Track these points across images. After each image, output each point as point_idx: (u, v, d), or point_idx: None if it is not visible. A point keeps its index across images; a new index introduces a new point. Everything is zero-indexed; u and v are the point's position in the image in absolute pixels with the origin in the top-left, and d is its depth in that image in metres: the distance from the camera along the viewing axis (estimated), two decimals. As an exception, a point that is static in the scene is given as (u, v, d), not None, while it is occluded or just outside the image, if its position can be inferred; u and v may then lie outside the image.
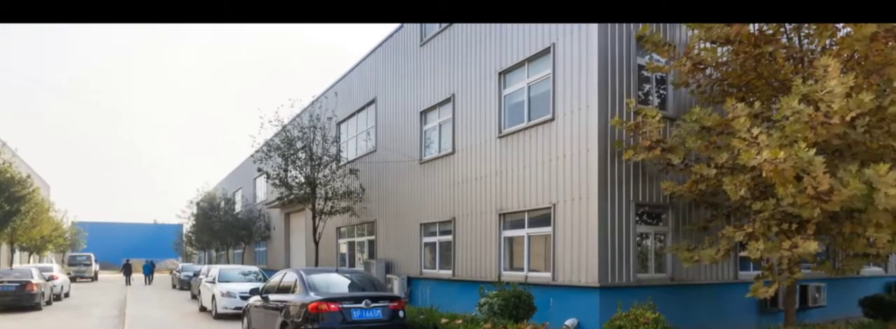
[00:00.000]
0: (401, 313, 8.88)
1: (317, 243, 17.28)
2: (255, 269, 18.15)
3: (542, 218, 10.32)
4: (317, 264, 17.69)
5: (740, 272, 10.74)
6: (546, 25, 10.24)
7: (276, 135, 18.13)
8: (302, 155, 17.10)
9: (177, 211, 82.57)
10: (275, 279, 10.51)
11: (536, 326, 8.21)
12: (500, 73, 11.45)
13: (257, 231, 29.59)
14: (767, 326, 8.75)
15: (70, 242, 51.26)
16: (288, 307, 8.96)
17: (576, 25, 9.57)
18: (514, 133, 11.02)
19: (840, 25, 7.51)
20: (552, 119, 10.05)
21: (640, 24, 9.10)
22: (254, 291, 11.05)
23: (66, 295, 22.08)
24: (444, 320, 9.06)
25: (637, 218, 9.57)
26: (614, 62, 9.33)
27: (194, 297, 20.57)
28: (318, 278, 9.44)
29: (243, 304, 12.11)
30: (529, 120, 10.72)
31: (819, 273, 9.44)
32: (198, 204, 37.05)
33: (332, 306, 8.36)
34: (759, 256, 7.58)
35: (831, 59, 6.67)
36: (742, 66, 8.03)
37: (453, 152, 12.93)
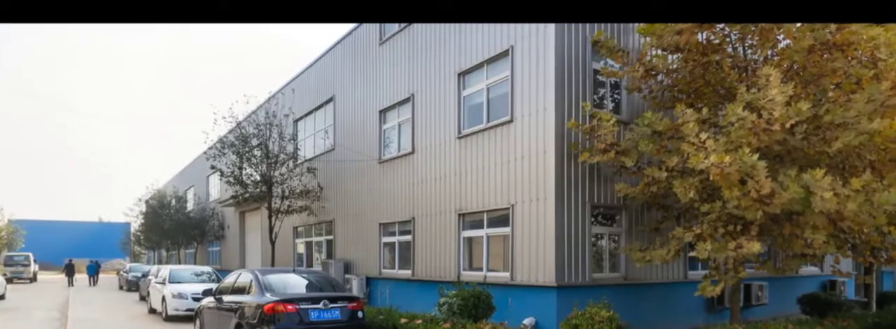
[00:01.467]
0: (360, 314, 8.87)
1: (273, 243, 17.11)
2: (208, 269, 17.84)
3: (501, 218, 10.52)
4: (273, 264, 17.52)
5: (689, 272, 11.20)
6: (504, 28, 10.42)
7: (230, 131, 17.83)
8: (257, 152, 16.88)
9: (124, 209, 79.83)
10: (229, 280, 10.36)
11: (495, 326, 8.36)
12: (459, 74, 11.58)
13: (210, 230, 28.98)
14: (714, 324, 9.18)
15: (6, 242, 49.00)
16: (243, 308, 8.85)
17: (534, 28, 9.78)
18: (473, 134, 11.18)
19: (780, 37, 7.94)
20: (511, 121, 10.24)
21: (596, 30, 9.38)
22: (207, 292, 10.81)
23: (2, 297, 21.17)
24: (403, 320, 9.14)
25: (592, 219, 9.87)
26: (571, 66, 9.58)
27: (143, 298, 20.10)
28: (275, 279, 9.35)
29: (195, 305, 11.89)
30: (488, 121, 10.89)
31: (761, 272, 9.95)
32: (147, 202, 36.03)
33: (289, 307, 8.27)
34: (706, 256, 7.90)
35: (772, 69, 7.07)
36: (691, 73, 8.40)
37: (413, 152, 13.01)
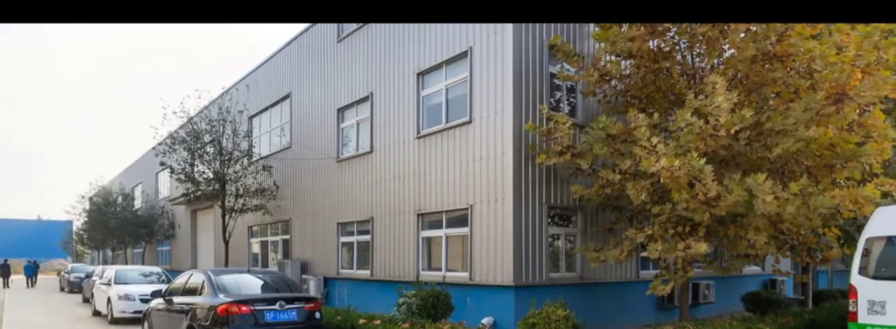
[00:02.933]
0: (317, 314, 8.89)
1: (227, 243, 16.92)
2: (157, 269, 17.54)
3: (460, 218, 10.74)
4: (227, 265, 17.33)
5: (641, 271, 11.70)
6: (463, 29, 10.61)
7: (181, 127, 17.49)
8: (210, 149, 16.64)
9: (66, 206, 76.76)
10: (180, 280, 10.24)
11: (454, 325, 8.50)
12: (418, 74, 11.72)
13: (160, 229, 28.32)
14: (665, 322, 9.64)
15: (-66, 241, 46.53)
16: (195, 310, 8.75)
17: (492, 30, 10.00)
18: (432, 134, 11.35)
19: (726, 47, 8.39)
20: (469, 122, 10.45)
21: (553, 34, 9.66)
22: (156, 294, 10.66)
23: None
24: (362, 321, 9.19)
25: (549, 220, 10.19)
26: (528, 69, 9.85)
27: (86, 300, 19.64)
28: (229, 279, 9.28)
29: (144, 307, 11.69)
30: (447, 122, 11.07)
31: (708, 272, 10.46)
32: (90, 199, 34.85)
33: (244, 308, 8.20)
34: (657, 256, 8.28)
35: (718, 77, 7.47)
36: (643, 79, 8.79)
37: (371, 151, 13.09)
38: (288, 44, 16.97)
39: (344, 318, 9.71)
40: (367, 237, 13.21)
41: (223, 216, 16.70)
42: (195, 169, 17.02)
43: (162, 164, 17.64)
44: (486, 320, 9.77)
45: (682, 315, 9.52)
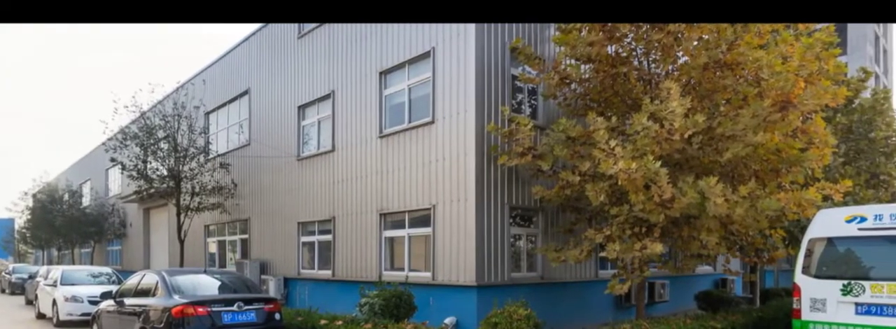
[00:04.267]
0: (277, 316, 8.85)
1: (182, 242, 16.76)
2: (107, 270, 17.23)
3: (423, 218, 10.96)
4: (182, 265, 17.16)
5: (600, 271, 12.16)
6: (425, 29, 10.80)
7: (133, 122, 17.24)
8: (164, 145, 16.46)
9: (7, 203, 73.99)
10: (132, 281, 10.05)
11: (417, 326, 8.67)
12: (381, 73, 11.86)
13: (110, 228, 27.69)
14: (622, 320, 10.06)
15: None
16: (147, 312, 8.61)
17: (454, 31, 10.22)
18: (394, 133, 11.52)
19: (680, 54, 8.82)
20: (432, 122, 10.66)
21: (514, 37, 9.95)
22: (106, 295, 10.46)
23: None
24: (323, 322, 9.24)
25: (511, 220, 10.51)
26: (490, 71, 10.12)
27: (30, 302, 19.25)
28: (184, 280, 9.13)
29: (93, 309, 11.48)
30: (410, 121, 11.26)
31: (663, 272, 10.94)
32: (34, 196, 33.75)
33: (200, 310, 8.08)
34: (615, 256, 8.63)
35: (673, 83, 7.87)
36: (601, 83, 9.16)
37: (333, 150, 13.18)
38: (246, 39, 16.85)
39: (305, 319, 9.76)
40: (328, 237, 13.31)
41: (178, 215, 16.54)
42: (148, 166, 16.81)
43: (112, 160, 17.37)
44: (448, 320, 9.98)
45: (639, 313, 9.95)
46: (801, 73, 7.89)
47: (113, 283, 15.27)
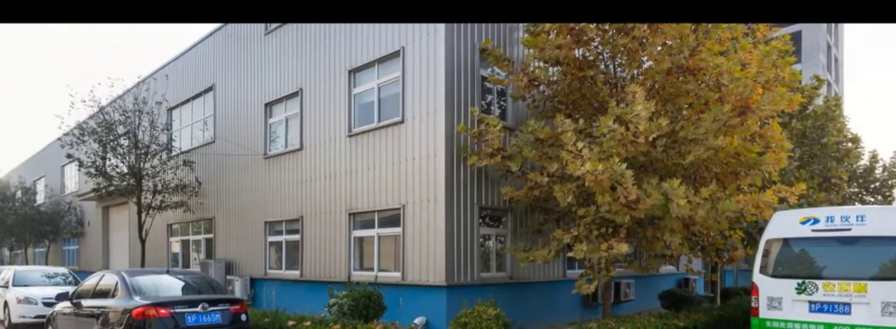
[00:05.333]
0: (243, 317, 8.79)
1: (143, 242, 16.59)
2: (63, 270, 16.93)
3: (392, 218, 11.13)
4: (143, 265, 16.98)
5: (567, 271, 12.52)
6: (395, 28, 10.96)
7: (91, 117, 16.96)
8: (124, 141, 16.24)
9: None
10: (90, 282, 9.87)
11: (386, 326, 8.80)
12: (350, 71, 11.98)
13: (67, 227, 27.11)
14: (589, 319, 10.40)
15: None
16: (106, 314, 8.49)
17: (424, 31, 10.40)
18: (364, 133, 11.65)
19: (645, 58, 9.17)
20: (402, 121, 10.83)
21: (484, 38, 10.16)
22: (62, 297, 10.26)
23: None
24: (291, 323, 9.27)
25: (480, 220, 10.76)
26: (460, 71, 10.34)
27: (-21, 305, 18.64)
28: (145, 280, 8.98)
29: (48, 311, 11.34)
30: (379, 121, 11.41)
31: (629, 271, 11.34)
32: (-16, 193, 32.73)
33: (162, 311, 7.96)
34: (582, 256, 8.93)
35: (638, 87, 8.20)
36: (569, 86, 9.47)
37: (301, 148, 13.24)
38: (212, 33, 16.74)
39: (272, 320, 9.78)
40: (296, 237, 13.38)
41: (139, 213, 16.38)
42: (107, 162, 16.59)
43: (69, 156, 17.09)
44: (418, 320, 10.18)
45: (605, 312, 10.32)
46: (759, 79, 8.32)
47: (69, 284, 15.04)
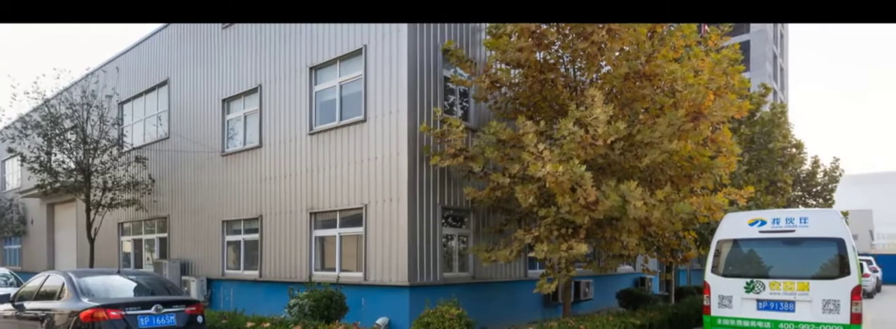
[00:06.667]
0: (199, 318, 8.71)
1: (92, 241, 16.32)
2: (3, 271, 16.50)
3: (354, 218, 11.26)
4: (92, 265, 16.70)
5: (529, 271, 12.89)
6: (358, 26, 11.08)
7: (35, 109, 16.52)
8: (72, 136, 15.89)
9: None
10: (34, 283, 9.61)
11: (348, 326, 8.88)
12: (311, 69, 12.04)
13: (8, 225, 26.25)
14: (550, 318, 10.77)
15: None
16: (52, 316, 8.30)
17: (386, 30, 10.56)
18: (325, 131, 11.74)
19: (603, 63, 9.55)
20: (364, 120, 10.97)
21: (447, 39, 10.37)
22: (3, 299, 10.07)
23: None
24: (249, 324, 9.32)
25: (443, 220, 11.00)
26: (423, 71, 10.54)
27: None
28: (94, 281, 8.80)
29: (-14, 314, 11.11)
30: (341, 119, 11.52)
31: (588, 271, 11.67)
32: (-86, 188, 31.33)
33: (113, 313, 7.79)
34: (543, 256, 9.24)
35: (597, 90, 8.56)
36: (530, 88, 9.78)
37: (260, 146, 13.23)
38: (166, 26, 16.50)
39: (230, 322, 9.79)
40: (255, 236, 13.38)
41: (88, 211, 16.09)
42: (53, 158, 16.20)
43: (10, 150, 16.65)
44: (380, 320, 10.34)
45: (566, 311, 10.71)
46: (711, 86, 8.80)
47: (11, 285, 14.73)
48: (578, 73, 10.01)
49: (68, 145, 15.89)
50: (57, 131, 15.81)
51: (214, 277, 14.47)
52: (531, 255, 9.68)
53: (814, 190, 25.27)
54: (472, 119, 11.55)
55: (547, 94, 9.78)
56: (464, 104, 11.58)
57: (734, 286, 8.48)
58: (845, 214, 17.84)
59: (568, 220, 9.20)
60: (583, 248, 8.97)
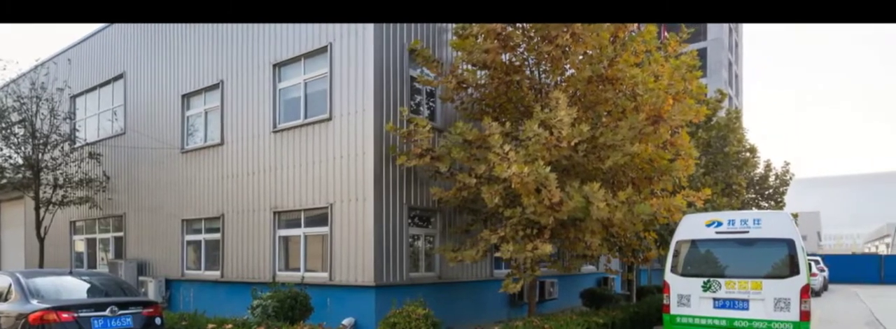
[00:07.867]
0: (158, 320, 8.60)
1: (42, 240, 15.85)
2: (-54, 272, 15.84)
3: (319, 217, 11.27)
4: (42, 265, 16.22)
5: (495, 271, 13.10)
6: (321, 24, 11.07)
7: (-21, 102, 15.92)
8: (19, 130, 15.40)
9: None
10: None
11: (313, 327, 8.86)
12: (274, 65, 12.00)
13: (-53, 222, 25.18)
14: (516, 317, 11.00)
15: None
16: None
17: (352, 28, 10.62)
18: (290, 129, 11.71)
19: (567, 66, 9.81)
20: (329, 119, 10.99)
21: (413, 38, 10.48)
22: None
23: None
24: (211, 326, 9.23)
25: (409, 220, 11.11)
26: (389, 70, 10.64)
27: None
28: (44, 282, 8.55)
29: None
30: (306, 117, 11.52)
31: (553, 271, 11.96)
32: None
33: (64, 315, 7.59)
34: (509, 256, 9.41)
35: (561, 93, 8.81)
36: (496, 89, 9.98)
37: (222, 143, 13.11)
38: (123, 16, 16.08)
39: (190, 323, 9.65)
40: (216, 235, 13.25)
41: (37, 209, 15.63)
42: (-1, 152, 15.66)
43: (-49, 144, 15.98)
44: (346, 321, 10.38)
45: (531, 310, 10.95)
46: (670, 91, 9.16)
47: (-45, 287, 14.15)
48: (543, 75, 10.24)
49: (15, 140, 15.40)
50: (3, 125, 15.31)
51: (173, 278, 14.27)
52: (497, 255, 9.86)
53: (766, 193, 26.49)
54: (439, 119, 11.69)
55: (512, 95, 9.99)
56: (430, 104, 11.71)
57: (692, 285, 8.86)
58: (795, 216, 18.72)
59: (533, 220, 9.39)
60: (547, 249, 9.19)
